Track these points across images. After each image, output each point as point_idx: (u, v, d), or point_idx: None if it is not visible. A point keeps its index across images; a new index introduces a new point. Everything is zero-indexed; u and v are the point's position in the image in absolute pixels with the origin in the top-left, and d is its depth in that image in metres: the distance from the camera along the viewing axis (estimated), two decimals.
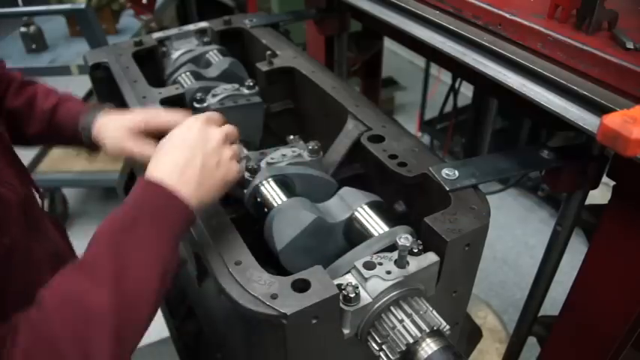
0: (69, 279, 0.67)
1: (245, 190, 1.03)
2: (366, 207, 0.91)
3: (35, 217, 0.92)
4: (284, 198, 0.92)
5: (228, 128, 0.88)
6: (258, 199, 0.96)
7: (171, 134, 0.83)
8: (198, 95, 1.18)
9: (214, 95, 1.21)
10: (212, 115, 0.89)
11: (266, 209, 0.93)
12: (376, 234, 0.85)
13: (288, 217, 0.88)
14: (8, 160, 0.86)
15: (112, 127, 1.03)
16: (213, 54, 1.40)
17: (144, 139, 1.00)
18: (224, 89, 1.22)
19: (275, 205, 0.91)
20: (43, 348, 0.60)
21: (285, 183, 0.97)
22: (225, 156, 0.83)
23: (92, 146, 1.08)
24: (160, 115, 1.02)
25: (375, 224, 0.88)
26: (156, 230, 0.71)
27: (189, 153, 0.79)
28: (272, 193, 0.94)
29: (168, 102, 1.18)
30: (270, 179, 0.95)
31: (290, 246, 0.85)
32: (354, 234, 0.91)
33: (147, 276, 0.68)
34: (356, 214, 0.91)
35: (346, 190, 0.95)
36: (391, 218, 0.90)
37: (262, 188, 0.95)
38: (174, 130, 0.84)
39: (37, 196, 0.98)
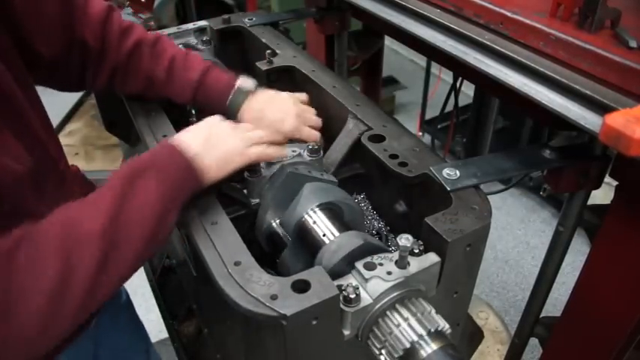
0: (72, 206, 0.75)
1: (245, 191, 1.03)
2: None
3: (53, 184, 0.93)
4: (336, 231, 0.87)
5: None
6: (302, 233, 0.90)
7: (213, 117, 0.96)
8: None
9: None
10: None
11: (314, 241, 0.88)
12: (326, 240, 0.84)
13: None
14: (17, 130, 0.85)
15: (254, 121, 1.07)
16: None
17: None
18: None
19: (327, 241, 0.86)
20: (36, 257, 0.67)
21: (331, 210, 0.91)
22: (249, 141, 0.93)
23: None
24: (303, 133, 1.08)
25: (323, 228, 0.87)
26: (162, 185, 0.79)
27: (217, 130, 0.92)
28: (322, 225, 0.89)
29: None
30: (316, 209, 0.90)
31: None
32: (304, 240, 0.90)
33: (142, 218, 0.76)
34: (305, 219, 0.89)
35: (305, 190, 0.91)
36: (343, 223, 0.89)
37: (309, 220, 0.90)
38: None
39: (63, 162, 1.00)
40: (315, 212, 0.89)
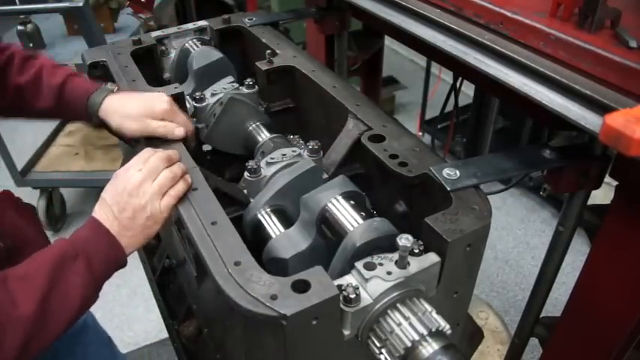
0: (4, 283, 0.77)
1: (245, 191, 1.03)
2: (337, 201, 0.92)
3: None
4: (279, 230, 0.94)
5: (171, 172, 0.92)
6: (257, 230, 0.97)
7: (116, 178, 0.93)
8: (197, 94, 1.17)
9: (213, 94, 1.20)
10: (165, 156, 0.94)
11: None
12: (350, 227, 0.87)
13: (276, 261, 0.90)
14: None
15: (119, 115, 1.07)
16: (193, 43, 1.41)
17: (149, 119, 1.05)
18: (223, 88, 1.21)
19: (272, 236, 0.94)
20: None
21: (279, 210, 0.98)
22: (154, 209, 0.90)
23: (98, 124, 1.13)
24: (152, 125, 1.05)
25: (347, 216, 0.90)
26: (90, 269, 0.83)
27: (126, 205, 0.89)
28: (269, 225, 0.97)
29: None
30: (267, 208, 0.97)
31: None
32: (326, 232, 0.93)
33: (69, 303, 0.81)
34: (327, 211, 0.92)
35: (305, 197, 0.94)
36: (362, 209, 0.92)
37: (261, 220, 0.97)
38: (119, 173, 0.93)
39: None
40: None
